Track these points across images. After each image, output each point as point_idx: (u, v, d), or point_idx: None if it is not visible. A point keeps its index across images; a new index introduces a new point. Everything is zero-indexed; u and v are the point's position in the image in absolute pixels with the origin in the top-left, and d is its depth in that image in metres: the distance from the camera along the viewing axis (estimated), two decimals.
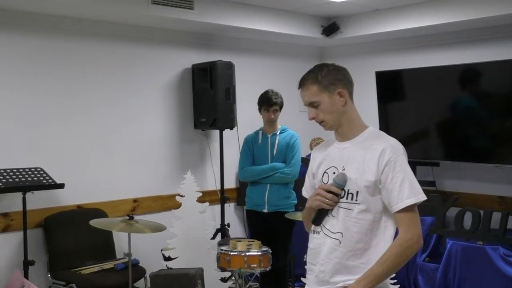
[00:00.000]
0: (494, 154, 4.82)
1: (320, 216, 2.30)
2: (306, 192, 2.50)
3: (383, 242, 2.21)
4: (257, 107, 4.53)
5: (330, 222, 2.28)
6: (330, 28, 5.72)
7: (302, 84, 2.43)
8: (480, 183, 5.08)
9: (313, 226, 2.36)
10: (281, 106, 4.50)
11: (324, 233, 2.29)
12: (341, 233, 2.23)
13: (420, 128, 5.27)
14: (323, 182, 2.34)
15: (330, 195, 2.24)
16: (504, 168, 4.76)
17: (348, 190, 2.23)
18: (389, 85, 5.44)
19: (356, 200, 2.21)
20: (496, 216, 4.51)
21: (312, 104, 2.34)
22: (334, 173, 2.30)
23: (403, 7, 5.17)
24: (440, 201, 4.84)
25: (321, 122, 2.33)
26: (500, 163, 4.77)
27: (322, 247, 2.29)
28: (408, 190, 2.15)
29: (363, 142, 2.29)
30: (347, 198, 2.23)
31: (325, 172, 2.35)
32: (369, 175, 2.19)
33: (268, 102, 4.44)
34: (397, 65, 5.42)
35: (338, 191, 2.24)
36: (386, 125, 5.38)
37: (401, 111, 5.41)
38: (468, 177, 5.15)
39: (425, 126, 5.23)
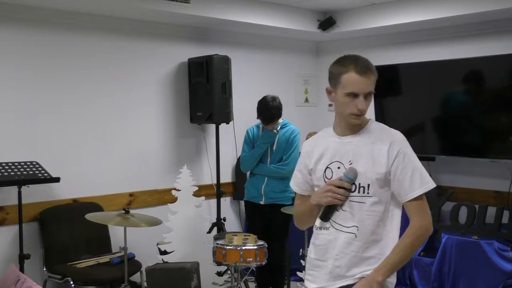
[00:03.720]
0: (490, 149, 4.83)
1: (329, 211, 2.29)
2: (298, 187, 2.48)
3: (392, 231, 2.28)
4: (253, 101, 4.52)
5: (341, 217, 2.28)
6: (327, 22, 5.72)
7: (369, 71, 2.23)
8: (475, 177, 5.10)
9: (319, 222, 2.35)
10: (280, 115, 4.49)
11: (336, 228, 2.29)
12: (356, 226, 2.25)
13: (416, 122, 5.27)
14: (326, 177, 2.32)
15: (342, 191, 2.23)
16: (499, 163, 4.77)
17: (359, 183, 2.24)
18: (385, 80, 5.41)
19: (368, 193, 2.24)
20: (491, 211, 4.53)
21: (367, 94, 2.24)
22: (338, 168, 2.29)
23: (399, 1, 5.17)
24: (436, 196, 4.85)
25: (360, 115, 2.26)
26: (495, 158, 4.78)
27: (334, 243, 2.29)
28: (419, 180, 2.22)
29: (368, 135, 2.30)
30: (358, 192, 2.25)
31: (327, 167, 2.32)
32: (379, 168, 2.23)
33: (270, 120, 4.41)
34: (393, 59, 5.42)
35: (350, 186, 2.24)
36: (382, 120, 5.38)
37: (397, 105, 5.42)
38: (463, 172, 5.17)
39: (421, 121, 5.23)
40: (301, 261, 4.36)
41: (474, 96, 4.93)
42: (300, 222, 2.53)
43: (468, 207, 4.59)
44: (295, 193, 2.55)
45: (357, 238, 2.25)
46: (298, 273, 4.68)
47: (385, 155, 2.23)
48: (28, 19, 4.32)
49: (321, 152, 2.36)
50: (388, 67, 5.36)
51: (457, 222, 4.63)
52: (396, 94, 5.47)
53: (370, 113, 5.52)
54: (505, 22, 4.87)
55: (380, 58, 5.60)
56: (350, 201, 2.26)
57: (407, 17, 5.14)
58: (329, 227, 2.31)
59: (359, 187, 2.25)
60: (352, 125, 2.30)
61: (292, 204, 4.41)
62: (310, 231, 4.25)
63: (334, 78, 2.26)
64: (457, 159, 5.11)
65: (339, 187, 2.24)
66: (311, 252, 2.40)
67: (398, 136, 2.29)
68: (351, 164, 2.26)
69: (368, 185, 2.24)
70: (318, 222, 2.36)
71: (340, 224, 2.28)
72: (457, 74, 4.94)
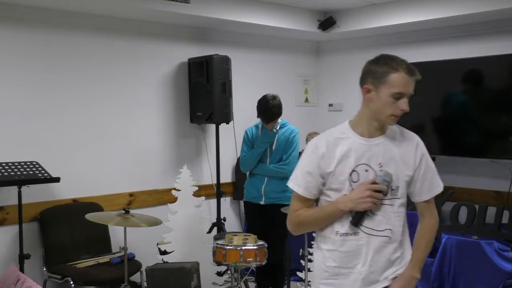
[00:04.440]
0: (490, 149, 4.83)
1: (361, 216, 2.22)
2: (307, 191, 2.29)
3: (406, 230, 2.33)
4: (253, 101, 4.51)
5: (371, 221, 2.23)
6: (327, 22, 5.71)
7: (416, 73, 2.22)
8: (475, 178, 5.10)
9: (345, 228, 2.24)
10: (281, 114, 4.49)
11: (366, 233, 2.23)
12: (390, 229, 2.24)
13: (416, 122, 5.26)
14: (352, 181, 2.23)
15: (380, 195, 2.20)
16: (499, 163, 4.77)
17: (391, 186, 2.23)
18: None
19: (396, 195, 2.24)
20: (491, 211, 4.53)
21: (410, 95, 2.20)
22: (366, 171, 2.22)
23: (399, 1, 5.17)
24: (436, 196, 4.85)
25: (398, 116, 2.21)
26: (495, 158, 4.78)
27: (367, 248, 2.23)
28: (437, 180, 2.34)
29: (393, 136, 2.28)
30: (390, 194, 2.24)
31: (353, 170, 2.23)
32: (407, 170, 2.25)
33: (271, 119, 4.41)
34: None
35: (387, 190, 2.21)
36: None
37: None
38: (463, 172, 5.17)
39: (421, 121, 5.23)
40: (301, 261, 4.36)
41: (474, 96, 4.93)
42: (306, 228, 2.41)
43: (468, 207, 4.59)
44: (295, 196, 2.36)
45: (390, 241, 2.24)
46: (298, 273, 4.68)
47: (412, 157, 2.26)
48: (28, 19, 4.32)
49: (343, 154, 2.23)
50: None
51: (457, 222, 4.63)
52: None
53: None
54: (505, 22, 4.87)
55: None
56: (381, 204, 2.23)
57: (407, 17, 5.14)
58: (358, 232, 2.23)
59: (390, 190, 2.23)
60: (382, 127, 2.25)
61: None
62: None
63: (377, 77, 2.18)
64: (457, 159, 5.11)
65: (376, 191, 2.18)
66: (329, 260, 2.29)
67: (418, 138, 2.32)
68: (381, 166, 2.22)
69: (397, 187, 2.24)
70: (342, 228, 2.25)
71: (371, 228, 2.23)
72: (457, 74, 4.94)
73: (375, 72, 2.20)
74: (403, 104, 2.17)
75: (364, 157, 2.23)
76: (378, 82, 2.18)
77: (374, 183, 2.19)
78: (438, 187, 2.34)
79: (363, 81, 2.25)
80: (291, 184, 2.35)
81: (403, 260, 2.30)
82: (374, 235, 2.23)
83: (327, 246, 2.29)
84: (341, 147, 2.24)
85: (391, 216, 2.23)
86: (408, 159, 2.25)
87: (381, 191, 2.19)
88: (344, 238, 2.25)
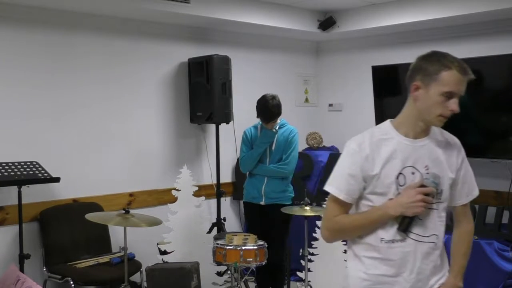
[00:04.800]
0: (490, 149, 4.83)
1: (411, 222, 2.09)
2: (348, 195, 2.14)
3: None
4: (253, 101, 4.51)
5: (418, 226, 2.12)
6: (327, 22, 5.71)
7: (468, 72, 2.11)
8: (475, 178, 5.07)
9: (390, 234, 2.11)
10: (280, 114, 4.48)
11: (414, 239, 2.11)
12: (436, 234, 2.16)
13: None
14: (399, 184, 2.10)
15: (430, 199, 2.09)
16: (499, 163, 4.77)
17: (438, 189, 2.14)
18: (386, 80, 5.43)
19: (440, 198, 2.16)
20: (491, 211, 4.53)
21: (460, 96, 2.10)
22: (413, 173, 2.11)
23: (399, 1, 5.17)
24: None
25: (447, 117, 2.11)
26: (495, 158, 4.77)
27: (414, 255, 2.12)
28: (474, 183, 2.26)
29: (436, 138, 2.19)
30: (435, 198, 2.15)
31: (400, 173, 2.10)
32: (451, 172, 2.17)
33: (270, 119, 4.40)
34: (393, 59, 5.41)
35: (434, 193, 2.11)
36: (382, 120, 5.31)
37: (397, 105, 5.33)
38: None
39: None
40: (301, 261, 4.36)
41: (474, 96, 4.91)
42: (346, 236, 2.25)
43: None
44: (333, 201, 2.17)
45: (436, 247, 2.16)
46: (298, 273, 4.68)
47: (455, 159, 2.19)
48: (28, 19, 4.32)
49: (388, 156, 2.11)
50: (388, 67, 5.36)
51: None
52: (396, 94, 5.46)
53: (370, 113, 5.53)
54: (505, 22, 4.87)
55: (380, 58, 5.63)
56: (428, 208, 2.12)
57: (407, 17, 5.14)
58: (405, 239, 2.11)
59: (437, 193, 2.14)
60: (427, 128, 2.15)
61: (292, 204, 4.42)
62: (310, 231, 4.27)
63: (427, 74, 2.06)
64: None
65: (427, 194, 2.08)
66: (371, 268, 2.15)
67: (458, 139, 2.26)
68: (427, 169, 2.11)
69: (442, 190, 2.15)
70: (387, 234, 2.12)
71: (418, 234, 2.12)
72: None
73: (426, 69, 2.07)
74: (453, 104, 2.06)
75: (410, 159, 2.11)
76: (428, 79, 2.06)
77: (422, 186, 2.08)
78: (475, 190, 2.26)
79: (412, 77, 2.12)
80: (331, 188, 2.17)
81: (443, 267, 2.22)
82: (421, 241, 2.12)
83: (369, 253, 2.15)
84: (385, 148, 2.12)
85: (436, 221, 2.15)
86: (451, 162, 2.17)
87: (429, 194, 2.08)
88: (389, 245, 2.12)
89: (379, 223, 2.11)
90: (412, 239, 2.11)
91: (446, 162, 2.16)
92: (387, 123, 2.23)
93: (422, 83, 2.08)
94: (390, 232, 2.11)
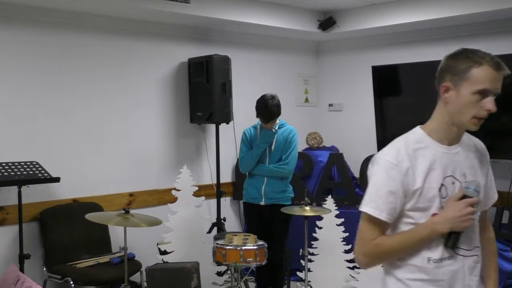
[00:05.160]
0: (490, 149, 4.77)
1: (458, 237, 1.91)
2: (389, 215, 1.92)
3: None
4: (253, 101, 4.51)
5: (463, 240, 1.94)
6: (327, 22, 5.71)
7: (503, 66, 1.89)
8: None
9: (438, 253, 1.92)
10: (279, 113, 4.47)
11: (462, 255, 1.94)
12: (478, 246, 2.00)
13: (416, 123, 5.26)
14: (441, 197, 1.92)
15: (476, 209, 1.93)
16: (500, 163, 4.77)
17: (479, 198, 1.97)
18: (386, 80, 5.44)
19: (477, 207, 1.98)
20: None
21: (496, 94, 1.94)
22: (453, 183, 1.94)
23: (399, 1, 5.17)
24: None
25: (482, 119, 1.97)
26: (495, 158, 4.75)
27: (462, 272, 1.94)
28: (495, 188, 2.13)
29: (467, 143, 2.05)
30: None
31: (442, 184, 1.93)
32: (481, 178, 2.02)
33: (270, 119, 4.40)
34: (393, 59, 5.42)
35: (478, 203, 1.94)
36: (382, 120, 5.38)
37: (397, 105, 5.41)
38: None
39: (421, 121, 5.22)
40: (301, 261, 4.36)
41: None
42: (389, 259, 2.00)
43: None
44: (369, 221, 1.94)
45: (479, 260, 2.00)
46: (298, 273, 4.68)
47: (485, 165, 2.08)
48: (28, 19, 4.32)
49: (428, 167, 1.93)
50: (388, 67, 5.37)
51: None
52: (396, 94, 5.47)
53: (370, 113, 5.53)
54: (506, 22, 4.87)
55: (380, 58, 5.63)
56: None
57: (407, 17, 5.14)
58: (453, 256, 1.93)
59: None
60: (460, 133, 1.99)
61: (292, 204, 4.42)
62: (310, 231, 4.27)
63: (457, 73, 1.88)
64: None
65: (472, 205, 1.90)
66: None
67: (482, 143, 2.13)
68: (465, 177, 1.96)
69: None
70: (433, 253, 1.93)
71: (463, 249, 1.94)
72: None
73: (454, 67, 1.89)
74: (489, 103, 1.90)
75: (449, 168, 1.95)
76: (458, 79, 1.88)
77: (464, 196, 1.91)
78: (495, 194, 2.13)
79: (440, 79, 1.95)
80: (368, 208, 1.94)
81: (480, 279, 2.05)
82: (467, 255, 1.95)
83: (415, 275, 1.94)
84: (422, 159, 1.93)
85: (475, 232, 1.99)
86: (481, 166, 2.05)
87: (474, 204, 1.91)
88: (438, 265, 1.92)
89: (425, 241, 1.92)
90: (460, 255, 1.94)
91: (480, 169, 2.04)
92: (417, 130, 2.05)
93: (452, 84, 1.91)
94: (437, 251, 1.92)
